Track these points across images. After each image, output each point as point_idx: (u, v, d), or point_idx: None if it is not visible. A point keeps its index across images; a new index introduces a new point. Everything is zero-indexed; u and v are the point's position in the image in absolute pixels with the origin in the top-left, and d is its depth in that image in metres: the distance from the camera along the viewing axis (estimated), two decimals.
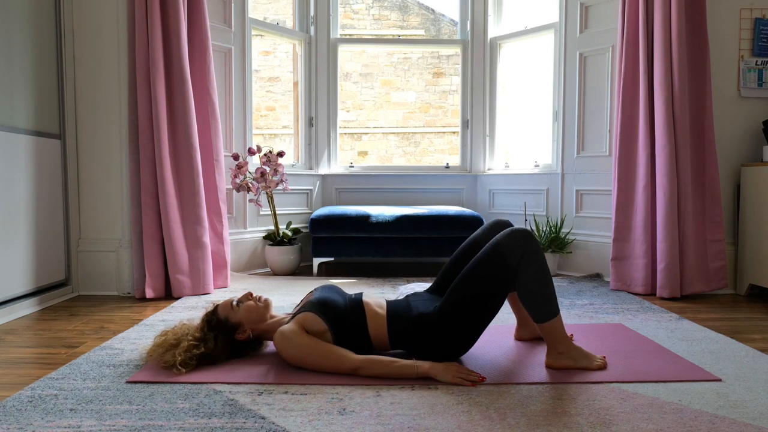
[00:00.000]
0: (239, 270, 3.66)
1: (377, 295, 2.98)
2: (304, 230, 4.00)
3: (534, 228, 3.82)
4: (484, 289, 1.77)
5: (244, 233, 3.71)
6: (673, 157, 2.93)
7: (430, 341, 1.81)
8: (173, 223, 2.94)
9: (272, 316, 1.94)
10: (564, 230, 3.69)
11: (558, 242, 3.57)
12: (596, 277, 3.49)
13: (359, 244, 3.63)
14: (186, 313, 2.61)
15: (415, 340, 1.82)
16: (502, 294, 1.79)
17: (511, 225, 2.01)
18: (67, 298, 2.97)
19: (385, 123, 11.10)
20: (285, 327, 1.80)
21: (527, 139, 4.39)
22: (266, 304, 1.92)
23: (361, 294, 1.93)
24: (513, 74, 4.31)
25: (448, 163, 4.38)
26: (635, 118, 3.09)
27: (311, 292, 1.99)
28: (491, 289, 1.77)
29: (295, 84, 4.33)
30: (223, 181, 3.20)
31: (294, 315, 1.86)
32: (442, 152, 11.06)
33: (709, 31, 3.03)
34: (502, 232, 1.81)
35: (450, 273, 2.01)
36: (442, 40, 10.38)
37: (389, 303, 1.91)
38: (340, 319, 1.81)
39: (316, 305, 1.83)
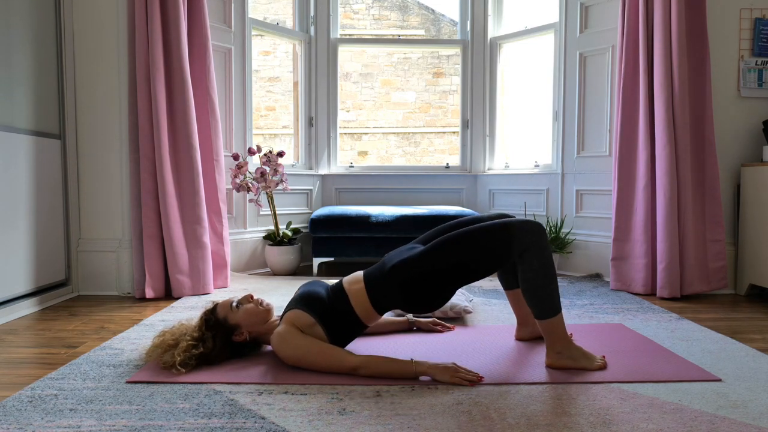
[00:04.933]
0: (239, 270, 3.66)
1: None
2: (304, 230, 4.00)
3: None
4: (474, 256, 1.75)
5: (244, 233, 3.71)
6: (673, 157, 2.93)
7: (404, 288, 1.77)
8: (173, 223, 2.94)
9: (272, 320, 1.94)
10: (564, 230, 3.69)
11: (558, 242, 3.57)
12: (596, 277, 3.49)
13: (359, 244, 3.63)
14: (186, 313, 2.61)
15: (393, 295, 1.79)
16: (487, 269, 1.77)
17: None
18: (67, 298, 2.97)
19: (385, 123, 11.10)
20: (280, 328, 1.81)
21: (527, 139, 4.39)
22: (268, 309, 1.91)
23: (341, 280, 1.93)
24: (513, 74, 4.31)
25: (448, 163, 4.38)
26: (635, 118, 3.09)
27: (295, 292, 1.99)
28: (481, 260, 1.75)
29: (295, 84, 4.33)
30: (223, 181, 3.20)
31: (281, 317, 1.87)
32: (442, 152, 11.06)
33: (709, 31, 3.03)
34: (519, 218, 1.80)
35: (442, 233, 1.97)
36: (442, 40, 10.38)
37: (365, 272, 1.90)
38: (326, 309, 1.81)
39: (299, 301, 1.84)
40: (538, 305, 1.79)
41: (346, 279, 1.92)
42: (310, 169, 4.24)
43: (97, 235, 3.10)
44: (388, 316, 2.33)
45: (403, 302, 1.81)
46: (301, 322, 1.80)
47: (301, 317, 1.80)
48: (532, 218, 3.86)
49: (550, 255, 1.78)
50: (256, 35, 4.02)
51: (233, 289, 3.18)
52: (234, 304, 1.89)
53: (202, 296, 2.98)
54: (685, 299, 2.96)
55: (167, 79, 2.96)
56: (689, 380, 1.72)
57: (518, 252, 1.74)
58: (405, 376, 1.71)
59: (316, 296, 1.85)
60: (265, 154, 3.57)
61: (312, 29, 4.18)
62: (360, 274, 1.91)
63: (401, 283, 1.78)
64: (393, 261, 1.83)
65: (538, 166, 3.97)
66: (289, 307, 1.86)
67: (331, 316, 1.81)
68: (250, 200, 3.58)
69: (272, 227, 3.85)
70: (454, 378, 1.68)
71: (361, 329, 1.88)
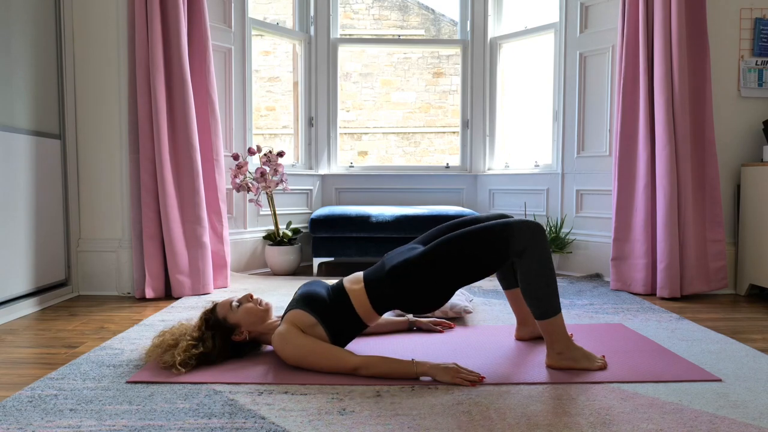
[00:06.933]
0: (239, 270, 3.66)
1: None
2: (304, 230, 4.01)
3: None
4: (473, 255, 1.75)
5: (244, 233, 3.71)
6: (673, 157, 2.93)
7: (404, 288, 1.78)
8: (173, 223, 2.94)
9: (271, 320, 1.94)
10: (564, 230, 3.69)
11: (558, 242, 3.57)
12: (596, 277, 3.49)
13: (359, 244, 3.63)
14: (186, 313, 2.61)
15: (392, 295, 1.80)
16: (487, 268, 1.77)
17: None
18: (67, 298, 2.97)
19: (385, 123, 11.10)
20: (281, 328, 1.81)
21: (527, 139, 4.39)
22: (266, 309, 1.92)
23: (341, 280, 1.93)
24: (513, 74, 4.31)
25: (448, 163, 4.38)
26: (635, 118, 3.09)
27: (295, 292, 1.99)
28: (481, 259, 1.75)
29: (295, 84, 4.33)
30: (223, 181, 3.20)
31: (282, 317, 1.87)
32: (442, 152, 11.06)
33: (709, 31, 3.03)
34: (519, 218, 1.80)
35: (442, 233, 1.97)
36: (442, 40, 10.37)
37: (365, 273, 1.90)
38: (328, 309, 1.82)
39: (300, 301, 1.84)
40: (537, 306, 1.79)
41: (347, 279, 1.92)
42: (310, 169, 4.24)
43: (97, 235, 3.10)
44: (388, 316, 2.33)
45: (403, 303, 1.81)
46: (302, 322, 1.80)
47: (302, 317, 1.80)
48: (532, 218, 3.86)
49: (549, 255, 1.78)
50: (256, 35, 4.02)
51: (233, 289, 3.18)
52: (233, 303, 1.90)
53: (202, 296, 2.98)
54: (685, 299, 2.96)
55: (167, 79, 2.96)
56: (689, 380, 1.72)
57: (517, 251, 1.74)
58: (406, 376, 1.71)
59: (317, 296, 1.85)
60: (265, 154, 3.57)
61: (312, 29, 4.18)
62: (360, 274, 1.92)
63: (400, 284, 1.78)
64: (393, 262, 1.83)
65: (538, 166, 3.97)
66: (290, 307, 1.86)
67: (332, 316, 1.81)
68: (250, 200, 3.58)
69: (272, 227, 3.85)
70: (455, 378, 1.68)
71: (361, 329, 1.88)
